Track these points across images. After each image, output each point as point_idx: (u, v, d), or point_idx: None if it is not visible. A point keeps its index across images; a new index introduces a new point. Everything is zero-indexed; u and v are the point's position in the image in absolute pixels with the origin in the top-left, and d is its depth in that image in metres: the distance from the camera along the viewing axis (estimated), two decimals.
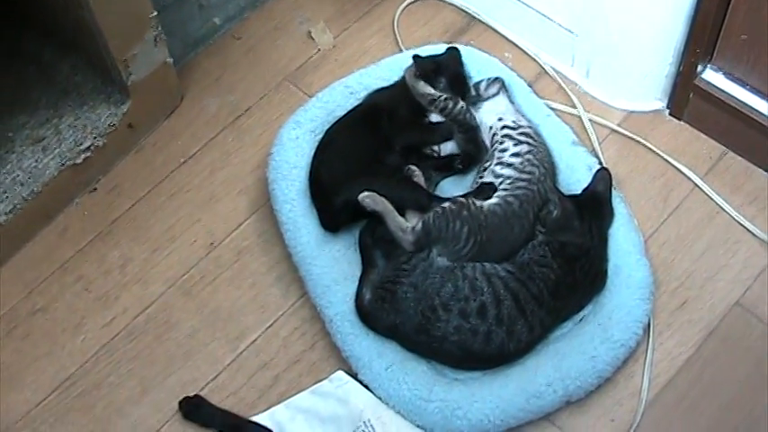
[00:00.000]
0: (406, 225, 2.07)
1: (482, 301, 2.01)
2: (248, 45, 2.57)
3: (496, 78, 2.35)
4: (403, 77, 2.34)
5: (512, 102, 2.33)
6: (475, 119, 2.26)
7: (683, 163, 2.30)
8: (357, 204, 2.14)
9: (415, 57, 2.29)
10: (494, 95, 2.33)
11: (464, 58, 2.39)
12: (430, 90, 2.26)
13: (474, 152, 2.28)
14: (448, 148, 2.30)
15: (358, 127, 2.28)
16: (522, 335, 2.02)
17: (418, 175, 2.21)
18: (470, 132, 2.27)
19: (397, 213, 2.08)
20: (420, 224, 2.06)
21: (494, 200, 2.12)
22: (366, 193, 2.07)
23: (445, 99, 2.24)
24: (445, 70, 2.29)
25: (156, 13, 2.25)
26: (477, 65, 2.40)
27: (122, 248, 2.31)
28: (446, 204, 2.09)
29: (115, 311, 2.23)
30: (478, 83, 2.36)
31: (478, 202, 2.10)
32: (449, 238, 2.06)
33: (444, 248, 2.08)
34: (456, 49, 2.38)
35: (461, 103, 2.25)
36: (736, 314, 2.13)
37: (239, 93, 2.49)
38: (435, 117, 2.28)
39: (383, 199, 2.09)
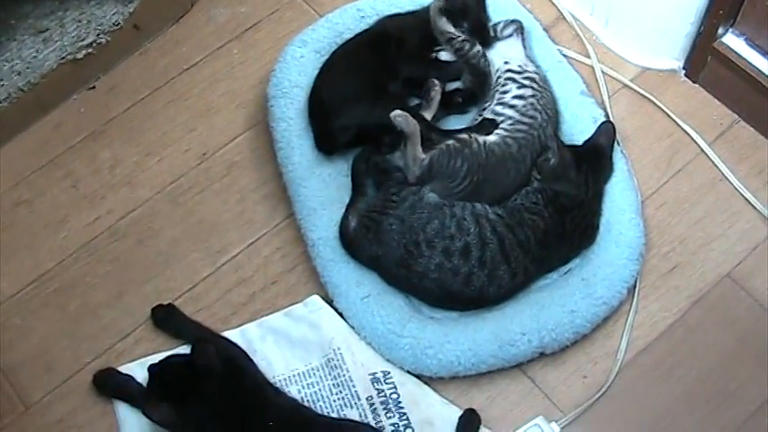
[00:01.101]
0: (421, 156, 2.03)
1: (467, 242, 1.98)
2: None
3: (514, 20, 2.30)
4: (421, 9, 2.30)
5: (525, 46, 2.29)
6: (489, 65, 2.22)
7: (692, 126, 2.25)
8: (355, 128, 2.13)
9: None
10: (508, 37, 2.28)
11: None
12: (450, 28, 2.21)
13: (478, 92, 2.24)
14: (452, 85, 2.26)
15: (364, 51, 2.24)
16: (504, 280, 1.99)
17: (437, 92, 2.17)
18: (481, 77, 2.23)
19: (420, 142, 2.03)
20: (428, 159, 2.03)
21: (493, 137, 2.09)
22: (399, 112, 2.02)
23: (462, 40, 2.20)
24: (470, 14, 2.24)
25: None
26: (496, 3, 2.34)
27: (114, 149, 2.29)
28: (450, 141, 2.05)
29: (99, 212, 2.22)
30: (496, 24, 2.31)
31: (481, 138, 2.07)
32: (447, 174, 2.03)
33: (440, 184, 2.05)
34: None
35: (477, 47, 2.21)
36: (726, 286, 2.09)
37: (250, 5, 2.45)
38: (445, 55, 2.24)
39: (415, 122, 2.04)
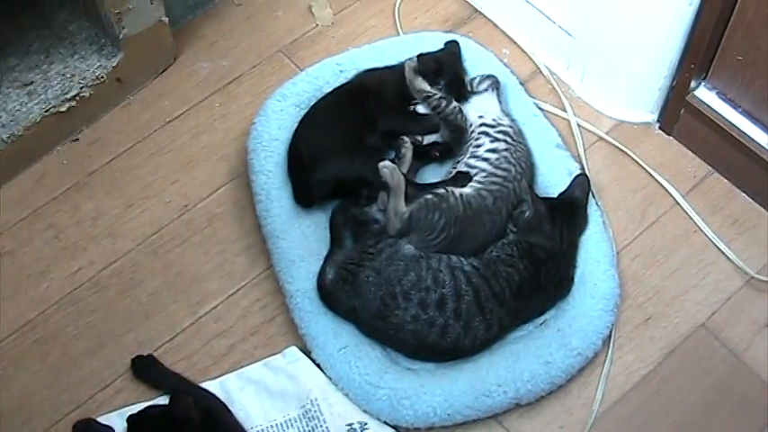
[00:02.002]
0: (402, 210, 2.05)
1: (442, 294, 1.99)
2: (248, 12, 2.54)
3: (489, 76, 2.33)
4: (398, 63, 2.32)
5: (500, 101, 2.31)
6: (466, 121, 2.24)
7: (667, 178, 2.27)
8: (333, 182, 2.14)
9: (420, 55, 2.27)
10: (483, 91, 2.31)
11: (462, 50, 2.37)
12: (426, 87, 2.23)
13: (455, 146, 2.26)
14: (431, 137, 2.28)
15: (342, 105, 2.26)
16: (479, 331, 2.00)
17: (408, 149, 2.20)
18: (457, 132, 2.25)
19: (403, 195, 2.05)
20: (408, 212, 2.05)
21: (468, 189, 2.11)
22: (387, 163, 2.05)
23: (439, 98, 2.22)
24: (446, 72, 2.27)
25: None
26: (473, 58, 2.37)
27: (97, 201, 2.30)
28: (428, 196, 2.07)
29: (81, 263, 2.22)
30: (473, 78, 2.34)
31: (457, 191, 2.09)
32: (425, 227, 2.05)
33: (418, 237, 2.06)
34: (456, 43, 2.35)
35: (454, 104, 2.23)
36: (700, 336, 2.10)
37: (232, 59, 2.46)
38: (422, 108, 2.26)
39: (401, 176, 2.06)
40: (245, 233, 2.22)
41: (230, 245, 2.22)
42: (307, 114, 2.26)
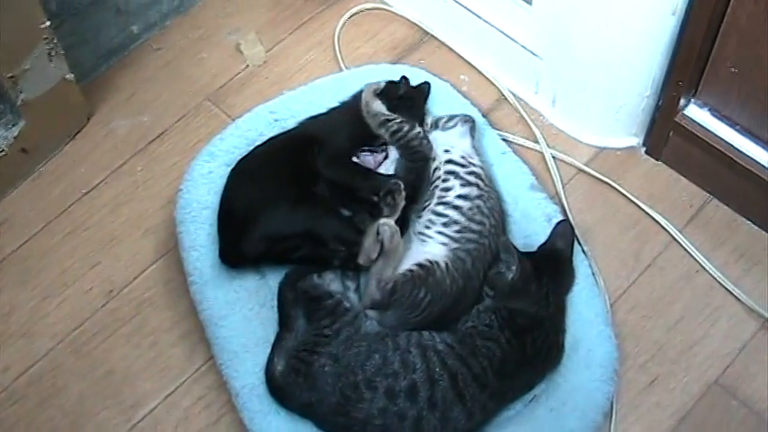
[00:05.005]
0: (390, 279, 1.82)
1: (413, 380, 1.75)
2: (167, 57, 2.35)
3: (464, 115, 2.09)
4: (350, 98, 2.10)
5: (472, 136, 2.07)
6: (431, 149, 1.99)
7: (660, 211, 2.09)
8: (274, 238, 1.91)
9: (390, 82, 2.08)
10: (451, 128, 2.06)
11: (413, 81, 2.15)
12: (384, 110, 2.01)
13: (416, 185, 1.98)
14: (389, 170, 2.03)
15: (280, 153, 2.02)
16: (460, 422, 1.76)
17: (402, 197, 1.92)
18: (420, 162, 2.00)
19: (395, 264, 1.85)
20: (392, 284, 1.82)
21: (442, 251, 1.87)
22: (389, 222, 1.85)
23: (400, 121, 1.99)
24: (408, 104, 2.08)
25: (48, 23, 2.00)
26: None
27: (8, 294, 2.06)
28: (413, 268, 1.84)
29: None
30: (439, 118, 2.09)
31: (441, 262, 1.85)
32: (407, 303, 1.83)
33: (395, 315, 1.85)
34: (428, 84, 2.15)
35: (418, 129, 1.99)
36: (715, 395, 1.90)
37: (153, 113, 2.27)
38: (371, 158, 2.02)
39: (400, 240, 1.85)
40: (180, 319, 2.01)
41: (164, 334, 2.00)
42: (239, 164, 2.02)
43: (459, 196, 1.93)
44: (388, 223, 1.84)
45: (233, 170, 2.02)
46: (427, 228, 1.89)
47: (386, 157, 2.02)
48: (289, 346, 1.86)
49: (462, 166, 1.98)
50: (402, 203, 1.91)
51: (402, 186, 1.92)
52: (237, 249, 1.92)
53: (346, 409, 1.76)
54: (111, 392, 1.95)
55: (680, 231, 2.07)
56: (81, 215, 2.15)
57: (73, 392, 1.95)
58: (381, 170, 2.01)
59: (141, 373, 1.97)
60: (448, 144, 2.02)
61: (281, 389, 1.82)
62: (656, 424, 1.88)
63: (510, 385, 1.82)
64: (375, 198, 1.95)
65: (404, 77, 2.11)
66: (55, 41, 2.04)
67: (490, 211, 1.93)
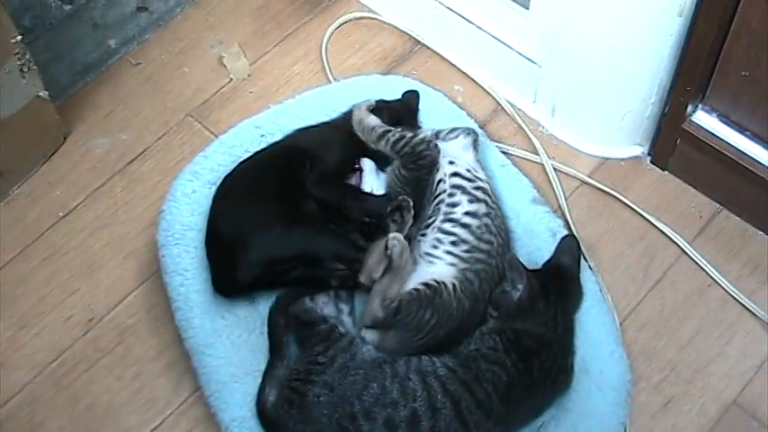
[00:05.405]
0: (395, 297, 1.74)
1: (413, 409, 1.67)
2: (147, 72, 2.28)
3: (465, 128, 2.00)
4: (338, 117, 2.04)
5: (475, 149, 1.98)
6: (440, 152, 1.91)
7: (668, 223, 2.04)
8: (267, 262, 1.82)
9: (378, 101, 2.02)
10: (453, 139, 1.97)
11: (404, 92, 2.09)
12: (380, 122, 1.93)
13: (415, 200, 1.89)
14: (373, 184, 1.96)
15: (267, 168, 1.95)
16: None
17: (410, 216, 1.86)
18: (423, 171, 1.90)
19: (402, 282, 1.76)
20: (397, 302, 1.73)
21: (451, 271, 1.78)
22: (398, 236, 1.76)
23: (401, 131, 1.92)
24: (399, 116, 2.02)
25: (20, 38, 1.93)
26: (421, 100, 2.10)
27: None
28: (420, 287, 1.75)
29: None
30: (439, 131, 1.99)
31: (448, 282, 1.76)
32: (411, 325, 1.74)
33: (397, 337, 1.76)
34: (415, 94, 2.10)
35: (424, 134, 1.92)
36: (734, 416, 1.84)
37: (133, 131, 2.20)
38: (368, 182, 1.95)
39: (409, 258, 1.76)
40: (165, 348, 1.93)
41: (148, 364, 1.93)
42: (225, 181, 1.95)
43: (467, 213, 1.84)
44: (397, 237, 1.76)
45: (218, 189, 1.95)
46: (434, 248, 1.81)
47: (361, 171, 1.96)
48: (280, 375, 1.77)
49: (469, 180, 1.89)
50: (410, 221, 1.85)
51: (411, 204, 1.85)
52: (232, 278, 1.84)
53: None
54: (92, 428, 1.88)
55: (689, 244, 2.01)
56: (58, 239, 2.08)
57: (52, 428, 1.88)
58: (364, 185, 1.95)
59: (124, 407, 1.89)
60: (452, 155, 1.94)
61: (273, 421, 1.74)
62: None
63: (517, 411, 1.74)
64: (366, 219, 1.89)
65: (407, 92, 2.08)
66: (27, 57, 1.97)
67: (498, 230, 1.85)
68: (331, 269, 1.82)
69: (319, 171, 1.92)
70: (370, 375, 1.70)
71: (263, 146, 2.01)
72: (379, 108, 1.99)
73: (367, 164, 1.95)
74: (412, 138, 1.91)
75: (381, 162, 1.95)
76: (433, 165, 1.90)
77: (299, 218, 1.86)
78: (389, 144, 1.91)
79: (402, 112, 2.03)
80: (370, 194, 1.92)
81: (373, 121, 1.94)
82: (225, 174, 1.97)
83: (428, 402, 1.67)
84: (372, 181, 1.95)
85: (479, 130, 2.06)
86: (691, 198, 2.07)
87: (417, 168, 1.90)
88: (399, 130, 1.92)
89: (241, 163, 1.97)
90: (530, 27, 2.03)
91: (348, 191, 1.93)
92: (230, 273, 1.84)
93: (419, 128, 2.03)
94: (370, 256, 1.78)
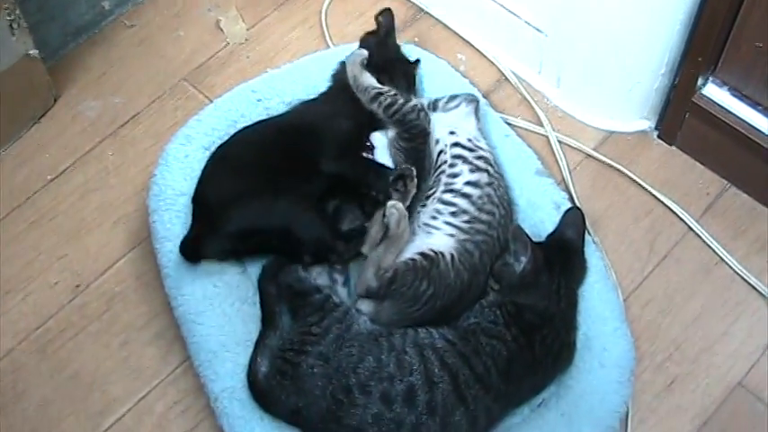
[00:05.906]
0: (390, 267, 1.72)
1: (410, 383, 1.64)
2: (141, 35, 2.26)
3: (467, 94, 1.97)
4: (329, 86, 1.99)
5: (477, 118, 1.95)
6: (430, 122, 1.88)
7: (675, 199, 2.02)
8: (245, 233, 1.79)
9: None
10: (453, 108, 1.94)
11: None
12: (374, 82, 1.90)
13: (417, 170, 1.85)
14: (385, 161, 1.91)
15: (269, 140, 1.89)
16: (462, 428, 1.65)
17: (414, 185, 1.82)
18: (418, 140, 1.87)
19: (398, 252, 1.75)
20: (392, 272, 1.72)
21: (450, 243, 1.75)
22: (397, 204, 1.75)
23: (394, 94, 1.88)
24: (398, 69, 1.98)
25: None
26: (424, 70, 2.06)
27: None
28: (417, 257, 1.73)
29: None
30: (438, 99, 1.97)
31: (447, 254, 1.73)
32: (407, 296, 1.72)
33: (394, 308, 1.74)
34: (417, 61, 2.05)
35: (415, 101, 1.89)
36: (739, 397, 1.82)
37: (126, 94, 2.18)
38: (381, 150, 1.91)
39: (407, 227, 1.75)
40: (154, 316, 1.91)
41: (136, 333, 1.91)
42: (221, 148, 1.91)
43: (469, 183, 1.83)
44: (396, 206, 1.74)
45: (213, 154, 1.91)
46: (434, 218, 1.78)
47: (373, 148, 1.92)
48: (273, 346, 1.75)
49: (470, 150, 1.87)
50: (413, 191, 1.82)
51: (414, 172, 1.82)
52: (199, 245, 1.81)
53: (338, 416, 1.66)
54: (77, 397, 1.86)
55: (697, 221, 1.99)
56: (46, 203, 2.06)
57: (35, 397, 1.86)
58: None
59: (110, 376, 1.87)
60: (452, 126, 1.91)
61: (265, 393, 1.71)
62: (676, 429, 1.79)
63: (516, 387, 1.71)
64: (381, 197, 1.84)
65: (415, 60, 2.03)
66: (17, 12, 1.95)
67: (500, 201, 1.83)
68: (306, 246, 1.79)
69: (336, 145, 1.88)
70: (365, 348, 1.68)
71: (259, 110, 1.99)
72: (375, 48, 1.96)
73: (378, 140, 1.91)
74: (403, 105, 1.88)
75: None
76: (425, 134, 1.88)
77: (288, 193, 1.81)
78: (381, 108, 1.89)
79: (404, 64, 1.99)
80: (391, 169, 1.88)
81: (367, 80, 1.91)
82: (220, 138, 1.94)
83: (425, 376, 1.65)
84: (385, 157, 1.91)
85: (483, 100, 2.04)
86: (698, 174, 2.05)
87: (411, 138, 1.88)
88: (392, 93, 1.89)
89: (240, 131, 1.93)
90: None
91: (371, 167, 1.89)
92: (201, 239, 1.82)
93: (417, 92, 2.00)
94: (372, 226, 1.76)
